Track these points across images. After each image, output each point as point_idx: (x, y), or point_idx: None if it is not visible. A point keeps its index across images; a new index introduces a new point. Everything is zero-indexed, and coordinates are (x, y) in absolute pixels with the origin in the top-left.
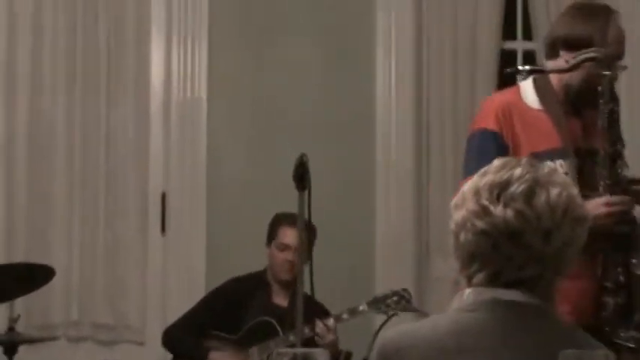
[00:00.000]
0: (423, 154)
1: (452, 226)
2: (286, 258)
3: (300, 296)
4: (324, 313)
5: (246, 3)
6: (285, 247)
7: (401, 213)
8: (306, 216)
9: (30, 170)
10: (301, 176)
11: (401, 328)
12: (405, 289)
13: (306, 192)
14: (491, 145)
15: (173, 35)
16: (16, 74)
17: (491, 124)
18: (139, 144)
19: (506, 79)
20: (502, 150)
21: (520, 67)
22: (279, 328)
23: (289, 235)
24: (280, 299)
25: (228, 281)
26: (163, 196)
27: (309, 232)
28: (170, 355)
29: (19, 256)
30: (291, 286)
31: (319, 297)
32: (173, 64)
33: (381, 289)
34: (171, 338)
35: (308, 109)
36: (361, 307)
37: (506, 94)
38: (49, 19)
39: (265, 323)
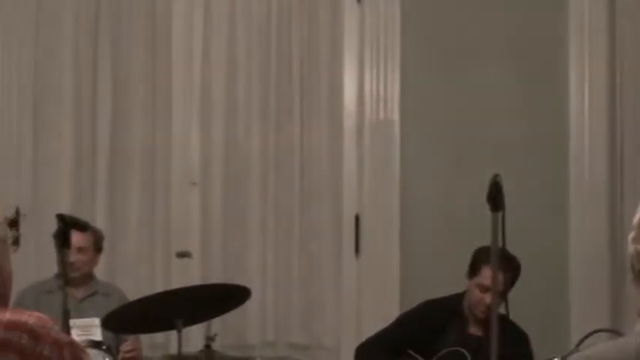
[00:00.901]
0: (616, 174)
1: (631, 256)
2: (485, 300)
3: (495, 332)
4: (524, 340)
5: (438, 26)
6: (485, 289)
7: (595, 233)
8: (500, 237)
9: (225, 195)
10: (495, 197)
11: (587, 352)
12: None
13: (500, 213)
14: None
15: (365, 58)
16: (211, 101)
17: None
18: (333, 167)
19: None
20: None
21: None
22: None
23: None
24: (476, 329)
25: (424, 304)
26: (357, 219)
27: (513, 272)
28: None
29: (215, 278)
30: (487, 320)
31: (513, 318)
32: (366, 87)
33: (576, 310)
34: (364, 355)
35: (500, 130)
36: None
37: None
38: (243, 47)
39: (458, 354)
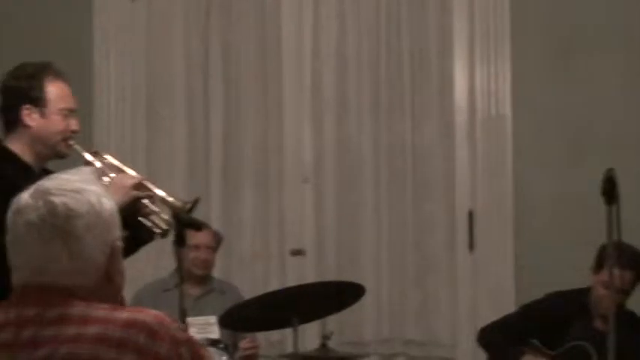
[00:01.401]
0: None
1: None
2: (610, 297)
3: (613, 329)
4: None
5: (549, 17)
6: (609, 287)
7: None
8: (616, 231)
9: (338, 191)
10: (610, 191)
11: None
12: None
13: (615, 207)
14: None
15: (476, 53)
16: (322, 98)
17: None
18: (445, 163)
19: None
20: None
21: None
22: (596, 356)
23: (617, 277)
24: (601, 324)
25: (552, 295)
26: (470, 214)
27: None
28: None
29: (329, 275)
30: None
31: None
32: (477, 82)
33: None
34: (488, 337)
35: (614, 123)
36: None
37: None
38: (353, 43)
39: (583, 348)
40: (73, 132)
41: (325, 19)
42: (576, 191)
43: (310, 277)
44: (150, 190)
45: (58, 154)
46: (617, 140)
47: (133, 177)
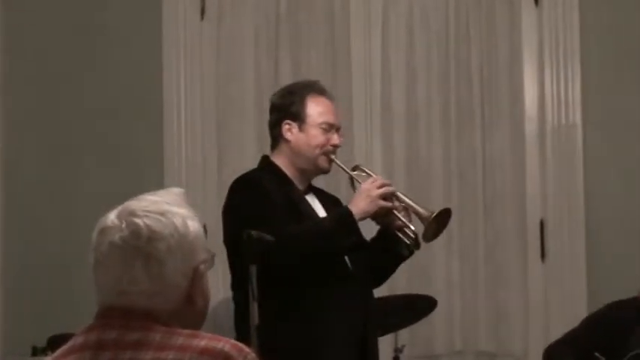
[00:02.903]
0: None
1: None
2: None
3: None
4: None
5: (618, 24)
6: None
7: None
8: None
9: None
10: None
11: None
12: None
13: None
14: None
15: (545, 61)
16: (392, 112)
17: None
18: (516, 172)
19: None
20: None
21: None
22: None
23: None
24: None
25: (609, 306)
26: (542, 224)
27: None
28: None
29: (401, 287)
30: None
31: None
32: (546, 91)
33: None
34: (553, 356)
35: None
36: None
37: None
38: (422, 55)
39: None
40: (334, 146)
41: (394, 33)
42: None
43: (382, 289)
44: (401, 202)
45: (319, 169)
46: None
47: (382, 187)
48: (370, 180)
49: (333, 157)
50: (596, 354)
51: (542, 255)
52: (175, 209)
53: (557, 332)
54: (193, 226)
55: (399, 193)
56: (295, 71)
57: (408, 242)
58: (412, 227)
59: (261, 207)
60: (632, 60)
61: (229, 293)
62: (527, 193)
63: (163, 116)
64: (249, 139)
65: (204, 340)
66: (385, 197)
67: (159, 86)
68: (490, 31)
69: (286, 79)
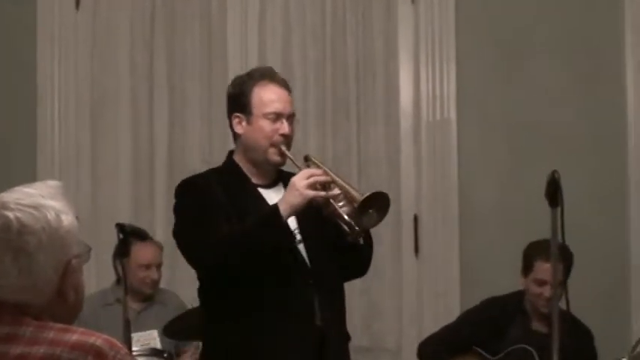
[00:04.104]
0: None
1: None
2: (544, 294)
3: (557, 328)
4: (588, 337)
5: (493, 23)
6: (542, 283)
7: None
8: (560, 233)
9: None
10: (553, 193)
11: None
12: None
13: (559, 209)
14: None
15: (421, 58)
16: None
17: None
18: (391, 168)
19: None
20: None
21: None
22: (536, 357)
23: (546, 271)
24: (539, 326)
25: (488, 301)
26: (416, 219)
27: (567, 261)
28: None
29: None
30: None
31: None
32: (422, 87)
33: (636, 310)
34: (428, 352)
35: (558, 127)
36: None
37: None
38: (298, 50)
39: (524, 351)
40: (283, 136)
41: (270, 26)
42: (521, 194)
43: None
44: (336, 190)
45: (270, 162)
46: (561, 143)
47: (310, 177)
48: (301, 172)
49: (283, 148)
50: (476, 348)
51: (416, 250)
52: (49, 202)
53: (430, 326)
54: (67, 220)
55: (338, 181)
56: (170, 62)
57: (347, 230)
58: (345, 216)
59: (196, 210)
60: (507, 56)
61: (101, 286)
62: (401, 188)
63: (37, 106)
64: (124, 130)
65: (76, 334)
66: (315, 187)
67: (32, 76)
68: (366, 26)
69: (161, 70)
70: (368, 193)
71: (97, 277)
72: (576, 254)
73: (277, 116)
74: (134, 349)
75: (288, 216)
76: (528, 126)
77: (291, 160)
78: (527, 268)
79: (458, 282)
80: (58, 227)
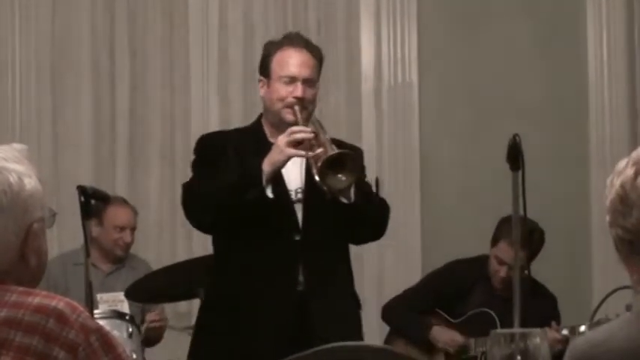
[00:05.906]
0: (637, 133)
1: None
2: (500, 273)
3: (518, 296)
4: (552, 303)
5: None
6: (502, 262)
7: None
8: (521, 197)
9: None
10: (515, 157)
11: (591, 336)
12: None
13: (520, 172)
14: None
15: (382, 21)
16: (229, 67)
17: None
18: (352, 131)
19: None
20: None
21: None
22: (498, 321)
23: (507, 253)
24: (500, 290)
25: (452, 264)
26: (377, 182)
27: (534, 246)
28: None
29: None
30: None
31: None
32: (383, 49)
33: (597, 273)
34: (393, 313)
35: (519, 89)
36: (582, 328)
37: None
38: (259, 12)
39: (486, 314)
40: (297, 98)
41: None
42: (482, 157)
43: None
44: (318, 150)
45: (285, 121)
46: (522, 106)
47: (292, 134)
48: (287, 130)
49: (296, 108)
50: (439, 310)
51: None
52: (12, 165)
53: (390, 289)
54: (30, 183)
55: (322, 138)
56: (131, 26)
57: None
58: (316, 176)
59: (203, 162)
60: (468, 20)
61: (62, 250)
62: (363, 151)
63: None
64: (85, 94)
65: (38, 297)
66: (295, 145)
67: None
68: None
69: (122, 34)
70: (332, 152)
71: (58, 239)
72: (538, 218)
73: (291, 79)
74: (99, 309)
75: (271, 172)
76: (489, 88)
77: (298, 122)
78: (494, 240)
79: (419, 244)
80: (19, 190)
